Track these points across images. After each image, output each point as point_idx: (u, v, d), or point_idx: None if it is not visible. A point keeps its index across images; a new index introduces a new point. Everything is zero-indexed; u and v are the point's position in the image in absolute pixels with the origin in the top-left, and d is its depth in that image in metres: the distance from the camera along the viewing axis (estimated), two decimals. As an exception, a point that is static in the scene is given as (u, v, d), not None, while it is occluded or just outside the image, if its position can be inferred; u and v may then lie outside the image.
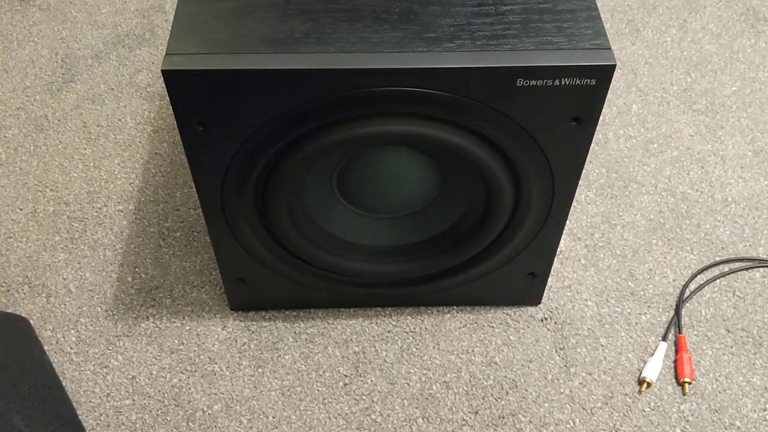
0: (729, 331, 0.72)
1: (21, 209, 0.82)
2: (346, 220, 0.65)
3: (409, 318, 0.73)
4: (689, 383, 0.68)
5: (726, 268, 0.77)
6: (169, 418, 0.67)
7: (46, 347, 0.71)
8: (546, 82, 0.50)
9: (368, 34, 0.50)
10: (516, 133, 0.53)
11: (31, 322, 0.72)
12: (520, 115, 0.52)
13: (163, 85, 0.92)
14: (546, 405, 0.68)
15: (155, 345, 0.71)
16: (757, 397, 0.68)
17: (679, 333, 0.72)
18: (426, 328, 0.73)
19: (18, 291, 0.75)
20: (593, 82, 0.50)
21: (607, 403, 0.68)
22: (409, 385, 0.69)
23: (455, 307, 0.74)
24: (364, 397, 0.68)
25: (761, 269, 0.77)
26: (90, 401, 0.68)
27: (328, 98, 0.50)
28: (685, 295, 0.75)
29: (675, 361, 0.70)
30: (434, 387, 0.69)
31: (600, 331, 0.72)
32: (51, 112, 0.91)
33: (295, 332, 0.72)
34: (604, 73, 0.50)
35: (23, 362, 0.67)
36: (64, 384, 0.69)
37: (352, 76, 0.49)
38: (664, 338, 0.71)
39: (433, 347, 0.71)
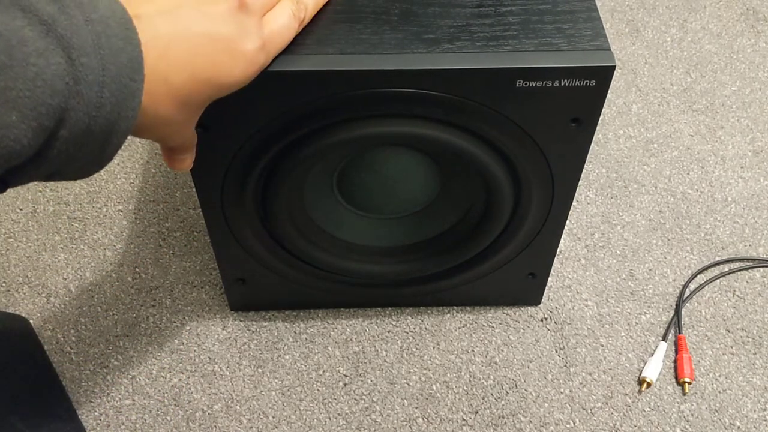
0: (729, 331, 0.72)
1: (21, 209, 0.82)
2: (345, 220, 0.65)
3: (409, 318, 0.73)
4: (689, 383, 0.68)
5: (726, 268, 0.77)
6: (169, 418, 0.67)
7: (46, 347, 0.71)
8: (545, 84, 0.50)
9: (368, 36, 0.50)
10: (515, 134, 0.53)
11: (31, 322, 0.73)
12: (519, 116, 0.52)
13: (163, 84, 0.91)
14: (546, 405, 0.68)
15: (155, 345, 0.72)
16: (757, 397, 0.68)
17: (679, 333, 0.72)
18: (426, 328, 0.73)
19: (18, 291, 0.75)
20: (593, 83, 0.50)
21: (607, 403, 0.68)
22: (409, 385, 0.69)
23: (455, 307, 0.74)
24: (364, 397, 0.68)
25: (761, 269, 0.77)
26: (90, 401, 0.68)
27: (328, 99, 0.50)
28: (685, 295, 0.75)
29: (675, 361, 0.70)
30: (434, 387, 0.69)
31: (600, 331, 0.73)
32: (51, 112, 0.91)
33: (295, 332, 0.72)
34: (604, 74, 0.49)
35: (23, 362, 0.67)
36: (64, 384, 0.69)
37: (351, 78, 0.49)
38: (664, 338, 0.71)
39: (433, 347, 0.72)
